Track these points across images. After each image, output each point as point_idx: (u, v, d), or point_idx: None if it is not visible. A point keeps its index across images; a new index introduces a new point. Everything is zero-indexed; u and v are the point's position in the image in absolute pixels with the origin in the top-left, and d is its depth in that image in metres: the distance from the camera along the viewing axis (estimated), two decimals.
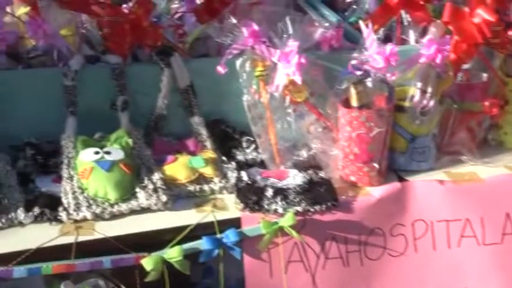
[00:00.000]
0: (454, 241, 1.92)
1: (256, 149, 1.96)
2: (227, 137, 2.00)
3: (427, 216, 1.90)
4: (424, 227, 1.90)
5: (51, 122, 1.88)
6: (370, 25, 1.82)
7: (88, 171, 1.75)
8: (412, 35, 2.06)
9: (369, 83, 1.81)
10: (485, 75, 2.00)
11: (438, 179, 1.92)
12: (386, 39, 2.09)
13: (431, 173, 1.95)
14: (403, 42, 2.09)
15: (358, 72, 1.79)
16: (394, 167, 1.94)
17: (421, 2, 2.01)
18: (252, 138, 1.97)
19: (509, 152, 2.07)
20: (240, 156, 1.95)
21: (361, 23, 1.84)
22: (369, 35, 1.81)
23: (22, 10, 2.03)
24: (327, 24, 1.95)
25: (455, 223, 1.91)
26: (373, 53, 1.79)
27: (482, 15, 1.87)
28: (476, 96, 1.97)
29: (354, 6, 2.32)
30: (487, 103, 1.95)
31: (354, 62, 1.79)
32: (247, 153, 1.96)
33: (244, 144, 1.98)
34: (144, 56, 1.97)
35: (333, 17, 2.24)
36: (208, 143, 1.95)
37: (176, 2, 2.32)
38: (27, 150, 1.87)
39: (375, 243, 1.87)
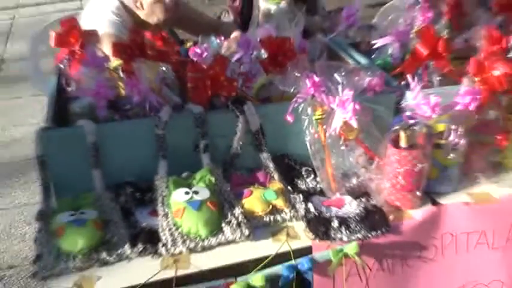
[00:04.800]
0: (471, 247, 1.57)
1: (315, 178, 1.54)
2: (290, 169, 1.57)
3: (453, 229, 1.53)
4: (450, 238, 1.54)
5: (145, 164, 1.45)
6: (416, 78, 1.41)
7: (181, 211, 1.35)
8: (435, 79, 1.63)
9: (415, 127, 1.40)
10: (491, 112, 1.57)
11: (461, 198, 1.55)
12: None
13: (455, 194, 1.56)
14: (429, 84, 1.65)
15: (411, 121, 1.37)
16: (426, 189, 1.51)
17: (444, 54, 1.58)
18: (310, 168, 1.56)
19: (509, 171, 1.64)
20: (302, 186, 1.54)
21: (409, 77, 1.42)
22: (415, 86, 1.40)
23: (115, 63, 1.56)
24: (369, 73, 1.52)
25: (473, 234, 1.55)
26: (421, 103, 1.37)
27: (501, 69, 1.46)
28: (490, 131, 1.56)
29: (374, 47, 1.87)
30: (499, 137, 1.55)
31: (408, 113, 1.37)
32: (308, 183, 1.55)
33: (304, 174, 1.56)
34: (220, 103, 1.52)
35: (363, 59, 1.82)
36: (275, 175, 1.53)
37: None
38: (127, 188, 1.46)
39: (414, 254, 1.52)
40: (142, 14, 2.35)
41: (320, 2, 2.87)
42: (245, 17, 2.67)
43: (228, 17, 2.86)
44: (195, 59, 1.79)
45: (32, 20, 6.51)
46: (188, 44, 2.39)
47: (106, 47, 1.96)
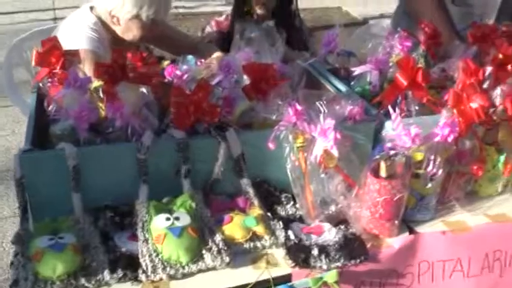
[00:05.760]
0: (447, 275, 1.60)
1: (294, 204, 1.55)
2: (270, 195, 1.57)
3: (430, 257, 1.56)
4: (427, 265, 1.56)
5: (125, 188, 1.44)
6: (397, 110, 1.44)
7: (162, 237, 1.34)
8: (413, 108, 1.66)
9: (395, 157, 1.42)
10: (468, 142, 1.60)
11: (437, 227, 1.58)
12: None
13: (432, 222, 1.59)
14: (407, 113, 1.68)
15: (392, 152, 1.39)
16: (403, 217, 1.53)
17: (423, 84, 1.61)
18: (289, 195, 1.56)
19: (484, 199, 1.70)
20: (282, 212, 1.54)
21: (390, 108, 1.45)
22: (396, 117, 1.42)
23: (96, 84, 1.55)
24: (350, 101, 1.54)
25: (449, 262, 1.58)
26: (401, 134, 1.39)
27: (478, 101, 1.50)
28: (467, 161, 1.59)
29: (354, 74, 1.89)
30: (475, 166, 1.58)
31: (389, 144, 1.40)
32: (288, 209, 1.55)
33: (284, 200, 1.56)
34: (202, 129, 1.51)
35: (342, 86, 1.83)
36: (255, 201, 1.52)
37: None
38: (107, 212, 1.44)
39: (391, 281, 1.54)
40: (118, 30, 2.35)
41: (304, 25, 2.91)
42: (230, 35, 2.68)
43: (212, 30, 2.86)
44: (175, 80, 1.79)
45: (4, 28, 6.41)
46: (165, 63, 2.38)
47: (83, 64, 1.95)
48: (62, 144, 1.38)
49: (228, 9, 2.98)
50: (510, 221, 1.62)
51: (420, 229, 1.55)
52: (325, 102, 1.45)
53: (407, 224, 1.56)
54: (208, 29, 2.88)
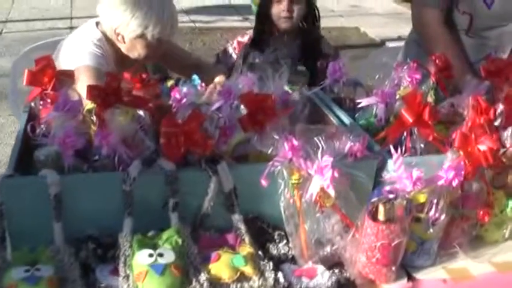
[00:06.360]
0: None
1: (287, 243, 1.46)
2: (262, 232, 1.48)
3: None
4: None
5: (110, 219, 1.36)
6: (399, 150, 1.36)
7: (143, 274, 1.26)
8: (418, 146, 1.58)
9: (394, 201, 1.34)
10: (474, 185, 1.52)
11: (438, 274, 1.48)
12: None
13: (432, 268, 1.49)
14: (412, 151, 1.59)
15: (391, 196, 1.31)
16: (402, 262, 1.44)
17: (429, 122, 1.53)
18: (283, 233, 1.48)
19: (489, 245, 1.60)
20: (274, 251, 1.45)
21: (392, 148, 1.37)
22: (398, 158, 1.34)
23: (90, 105, 1.48)
24: (351, 137, 1.46)
25: None
26: (402, 176, 1.31)
27: (487, 143, 1.42)
28: (472, 205, 1.50)
29: (359, 106, 1.81)
30: (481, 211, 1.49)
31: (388, 187, 1.32)
32: (280, 248, 1.46)
33: (277, 238, 1.47)
34: (194, 160, 1.43)
35: (346, 118, 1.75)
36: (246, 238, 1.44)
37: None
38: (89, 243, 1.36)
39: None
40: (123, 48, 2.31)
41: (327, 45, 2.84)
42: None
43: (233, 51, 2.81)
44: (173, 104, 1.73)
45: (20, 35, 6.43)
46: (169, 83, 2.34)
47: (82, 81, 1.89)
48: (44, 171, 1.31)
49: (246, 24, 2.93)
50: None
51: (420, 275, 1.46)
52: (324, 137, 1.38)
53: (406, 270, 1.46)
54: (230, 50, 2.83)
